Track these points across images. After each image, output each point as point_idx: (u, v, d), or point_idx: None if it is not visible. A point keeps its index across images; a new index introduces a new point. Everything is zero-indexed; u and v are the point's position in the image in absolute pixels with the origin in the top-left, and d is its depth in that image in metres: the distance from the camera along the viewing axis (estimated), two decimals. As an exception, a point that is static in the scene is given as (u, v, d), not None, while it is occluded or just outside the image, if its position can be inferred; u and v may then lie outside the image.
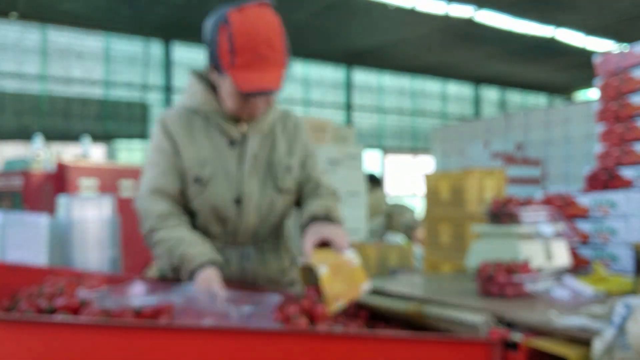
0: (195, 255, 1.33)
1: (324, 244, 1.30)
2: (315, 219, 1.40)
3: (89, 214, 1.55)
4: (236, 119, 1.48)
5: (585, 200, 1.92)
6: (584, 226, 1.90)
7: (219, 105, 1.46)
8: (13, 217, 1.42)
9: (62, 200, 1.56)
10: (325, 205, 1.44)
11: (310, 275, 1.26)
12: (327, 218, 1.40)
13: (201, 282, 1.26)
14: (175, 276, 1.40)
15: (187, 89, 1.53)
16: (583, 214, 1.92)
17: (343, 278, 1.17)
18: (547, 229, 1.59)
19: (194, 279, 1.29)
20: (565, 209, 1.94)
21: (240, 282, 1.48)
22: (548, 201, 2.01)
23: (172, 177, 1.45)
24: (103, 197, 1.61)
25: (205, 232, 1.49)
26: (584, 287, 1.35)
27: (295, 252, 1.65)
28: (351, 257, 1.21)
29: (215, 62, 1.38)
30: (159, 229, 1.39)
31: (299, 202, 1.59)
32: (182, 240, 1.36)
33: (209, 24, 1.41)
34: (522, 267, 1.40)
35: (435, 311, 1.22)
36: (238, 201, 1.47)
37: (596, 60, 2.19)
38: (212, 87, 1.49)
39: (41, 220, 1.44)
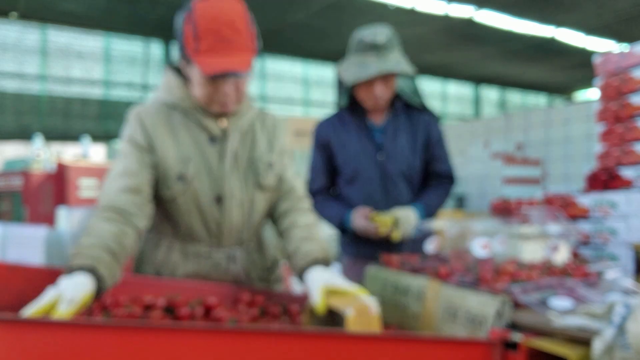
0: (82, 250, 1.16)
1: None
2: (316, 262, 1.33)
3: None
4: (216, 115, 1.46)
5: (586, 200, 1.92)
6: (584, 226, 1.90)
7: (197, 101, 1.44)
8: (12, 229, 1.42)
9: (61, 212, 1.56)
10: (321, 246, 1.40)
11: (316, 320, 1.23)
12: (325, 262, 1.35)
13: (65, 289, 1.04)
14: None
15: (163, 84, 1.50)
16: (583, 215, 1.92)
17: (364, 324, 1.15)
18: (552, 228, 1.58)
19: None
20: (565, 210, 1.94)
21: (233, 282, 1.49)
22: (548, 202, 2.01)
23: (143, 170, 1.38)
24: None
25: (190, 235, 1.47)
26: None
27: (275, 251, 1.66)
28: (372, 303, 1.18)
29: (182, 52, 1.38)
30: (98, 221, 1.25)
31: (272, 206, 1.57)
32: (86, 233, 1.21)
33: (177, 20, 1.40)
34: (578, 270, 1.35)
35: (452, 292, 1.22)
36: (219, 200, 1.45)
37: (596, 60, 2.20)
38: (189, 82, 1.47)
39: (39, 232, 1.44)
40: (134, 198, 1.33)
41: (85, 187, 4.21)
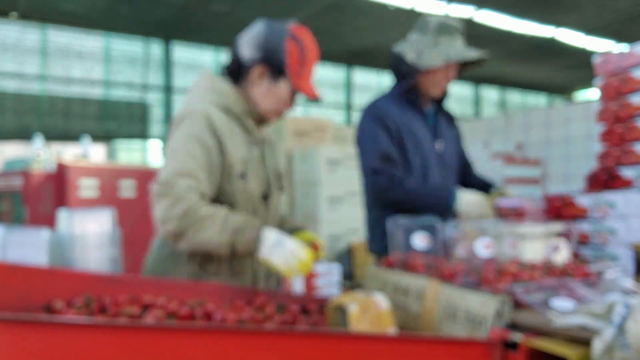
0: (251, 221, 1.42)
1: (349, 289, 1.39)
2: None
3: (90, 227, 1.55)
4: (257, 120, 1.63)
5: (585, 200, 1.92)
6: (584, 226, 1.90)
7: (248, 106, 1.59)
8: (13, 232, 1.42)
9: (62, 214, 1.56)
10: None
11: (337, 316, 1.24)
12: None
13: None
14: (226, 252, 1.41)
15: (213, 87, 1.58)
16: (582, 215, 1.92)
17: (371, 319, 1.16)
18: (553, 227, 1.58)
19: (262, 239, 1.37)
20: (564, 210, 1.94)
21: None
22: (547, 202, 2.01)
23: (211, 173, 1.47)
24: (104, 210, 1.60)
25: None
26: None
27: None
28: (380, 299, 1.20)
29: (276, 68, 1.54)
30: (201, 207, 1.38)
31: None
32: (233, 213, 1.43)
33: (273, 36, 1.54)
34: (578, 270, 1.35)
35: (453, 292, 1.22)
36: (265, 197, 1.61)
37: (596, 60, 2.20)
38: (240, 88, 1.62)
39: (41, 235, 1.44)
40: (198, 195, 1.42)
41: (86, 187, 4.21)
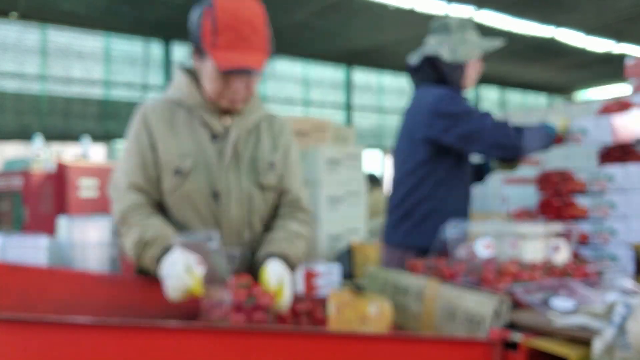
0: (168, 235, 1.34)
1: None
2: (284, 258, 1.42)
3: (90, 235, 1.55)
4: (221, 112, 1.49)
5: (583, 175, 1.93)
6: (584, 227, 1.90)
7: (202, 99, 1.48)
8: (12, 238, 1.42)
9: (62, 221, 1.56)
10: (295, 252, 1.47)
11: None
12: (291, 265, 1.43)
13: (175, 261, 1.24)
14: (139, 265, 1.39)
15: (174, 81, 1.55)
16: (582, 215, 1.92)
17: (354, 319, 1.16)
18: (552, 227, 1.58)
19: (164, 257, 1.29)
20: (563, 185, 1.94)
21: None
22: (545, 178, 2.02)
23: (146, 170, 1.45)
24: (103, 217, 1.60)
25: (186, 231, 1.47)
26: None
27: None
28: (375, 304, 1.18)
29: (198, 46, 1.41)
30: (131, 217, 1.39)
31: (274, 212, 1.60)
32: (153, 225, 1.37)
33: (194, 14, 1.43)
34: (578, 270, 1.35)
35: (451, 292, 1.23)
36: (216, 195, 1.46)
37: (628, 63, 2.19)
38: (198, 80, 1.51)
39: (41, 241, 1.44)
40: (139, 195, 1.43)
41: (86, 187, 4.21)
